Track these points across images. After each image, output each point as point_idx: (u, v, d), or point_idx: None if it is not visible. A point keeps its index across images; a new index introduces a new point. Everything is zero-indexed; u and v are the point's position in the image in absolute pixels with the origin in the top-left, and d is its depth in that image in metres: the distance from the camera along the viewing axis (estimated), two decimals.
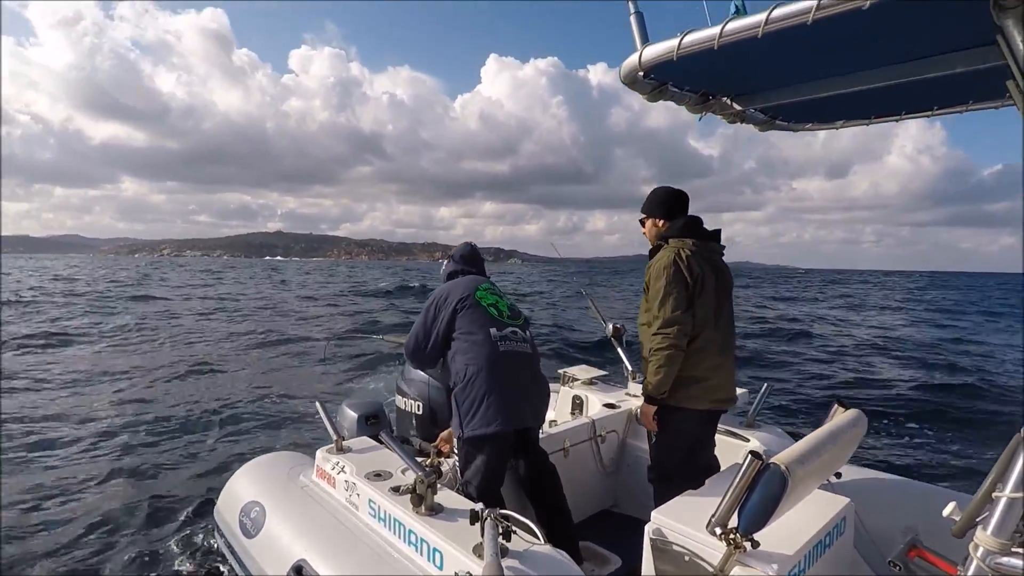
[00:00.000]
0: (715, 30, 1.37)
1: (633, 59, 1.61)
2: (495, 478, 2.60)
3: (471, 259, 3.08)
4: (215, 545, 3.37)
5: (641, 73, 1.67)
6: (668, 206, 2.77)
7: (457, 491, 2.45)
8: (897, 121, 2.36)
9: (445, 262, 3.13)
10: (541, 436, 3.13)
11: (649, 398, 2.65)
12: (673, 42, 1.47)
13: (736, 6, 1.43)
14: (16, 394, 7.39)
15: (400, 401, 3.44)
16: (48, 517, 4.17)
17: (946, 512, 1.88)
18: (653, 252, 2.73)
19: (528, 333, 2.82)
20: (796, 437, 2.27)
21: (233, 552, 2.87)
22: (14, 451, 5.38)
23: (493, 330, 2.64)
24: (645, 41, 1.61)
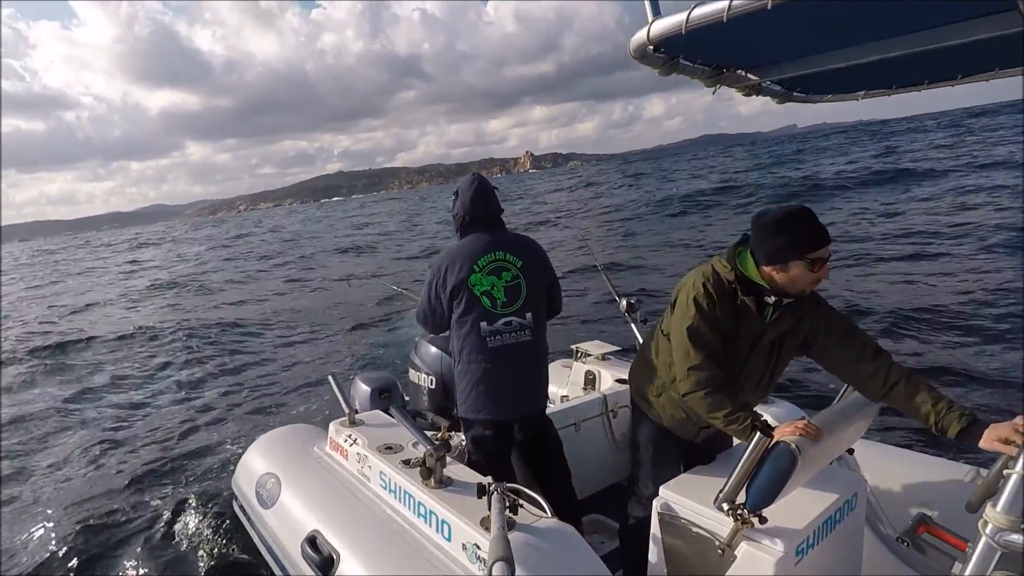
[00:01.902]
0: (724, 3, 1.32)
1: (642, 34, 1.56)
2: (494, 455, 2.62)
3: (480, 205, 2.68)
4: (233, 515, 3.46)
5: (651, 48, 1.62)
6: None
7: (466, 464, 2.49)
8: (920, 91, 2.29)
9: (453, 199, 2.76)
10: (552, 411, 3.15)
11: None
12: (681, 16, 1.42)
13: None
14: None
15: (413, 375, 3.47)
16: (66, 484, 4.30)
17: (967, 478, 1.87)
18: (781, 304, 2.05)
19: (529, 316, 2.62)
20: (811, 412, 2.26)
21: (250, 521, 2.95)
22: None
23: (483, 324, 2.55)
24: (656, 14, 1.57)
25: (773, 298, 1.99)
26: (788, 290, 1.96)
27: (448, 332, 2.71)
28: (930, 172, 20.96)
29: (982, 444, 1.75)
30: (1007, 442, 1.66)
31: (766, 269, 1.96)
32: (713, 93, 2.12)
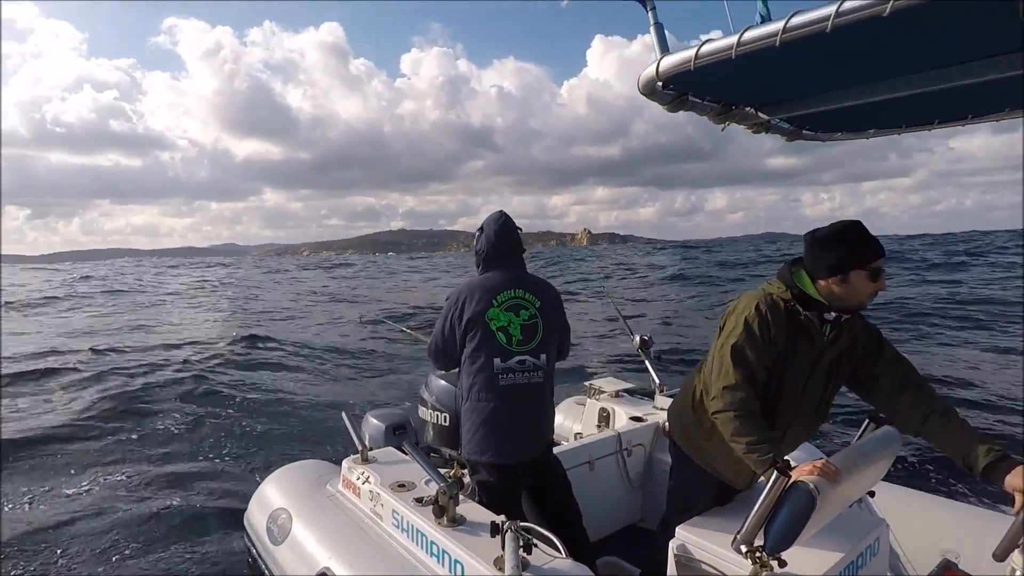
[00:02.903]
0: (732, 39, 1.35)
1: (651, 70, 1.60)
2: (501, 498, 2.56)
3: (502, 240, 2.65)
4: (244, 550, 3.43)
5: (659, 84, 1.66)
6: None
7: (479, 500, 2.45)
8: (930, 130, 2.30)
9: (477, 235, 2.74)
10: (566, 449, 3.11)
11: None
12: (690, 52, 1.46)
13: (760, 13, 1.42)
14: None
15: (424, 412, 3.45)
16: (72, 518, 4.28)
17: (993, 525, 1.81)
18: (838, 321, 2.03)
19: (543, 357, 2.59)
20: (829, 453, 2.21)
21: (261, 558, 2.91)
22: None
23: (497, 360, 2.51)
24: (665, 51, 1.61)
25: (833, 314, 1.97)
26: (847, 302, 1.94)
27: (458, 369, 2.68)
28: None
29: (1004, 485, 1.72)
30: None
31: (823, 283, 1.95)
32: (722, 130, 2.14)
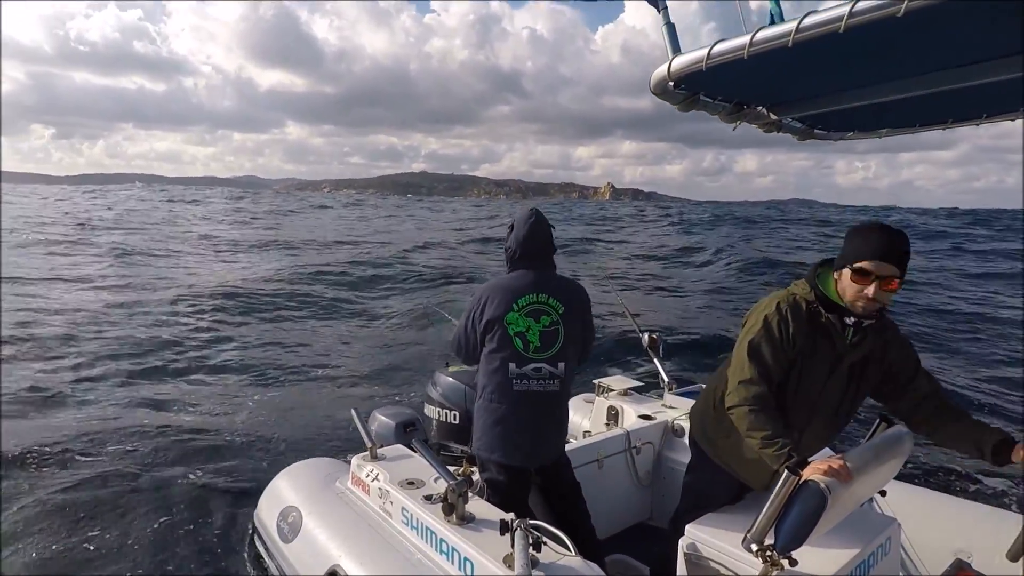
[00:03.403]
0: (744, 39, 1.35)
1: (662, 69, 1.60)
2: (510, 497, 2.56)
3: (532, 240, 2.60)
4: (253, 548, 3.45)
5: (671, 83, 1.66)
6: None
7: (488, 498, 2.46)
8: (944, 129, 2.29)
9: (507, 232, 2.68)
10: (575, 447, 3.11)
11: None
12: (702, 52, 1.46)
13: (772, 12, 1.41)
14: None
15: (431, 410, 3.47)
16: (77, 513, 4.30)
17: (1006, 525, 1.82)
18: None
19: (561, 366, 2.55)
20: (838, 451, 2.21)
21: (271, 555, 2.94)
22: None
23: (512, 365, 2.50)
24: (676, 51, 1.61)
25: (852, 319, 1.94)
26: (844, 302, 1.93)
27: (477, 366, 2.69)
28: None
29: (1013, 457, 1.75)
30: None
31: (834, 279, 1.96)
32: (733, 129, 2.14)
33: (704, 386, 2.99)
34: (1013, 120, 2.02)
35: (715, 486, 2.30)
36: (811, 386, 2.01)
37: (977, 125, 2.14)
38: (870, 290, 1.85)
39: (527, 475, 2.63)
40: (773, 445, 1.80)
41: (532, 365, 2.51)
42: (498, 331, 2.51)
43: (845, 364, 2.00)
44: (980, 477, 5.70)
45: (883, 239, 1.85)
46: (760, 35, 1.35)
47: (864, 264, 1.84)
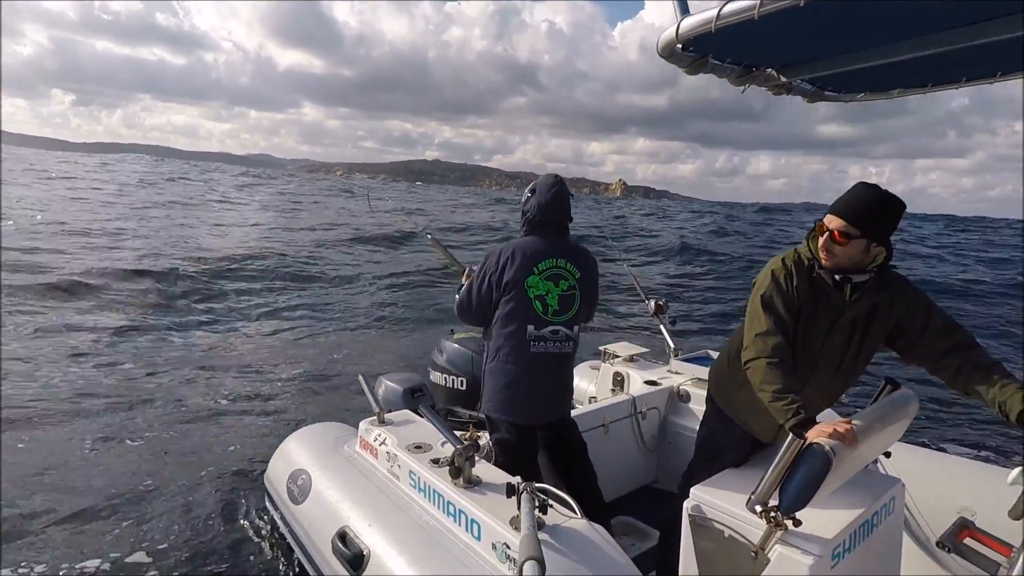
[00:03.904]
0: (755, 0, 1.31)
1: (670, 31, 1.57)
2: (520, 457, 2.62)
3: (553, 207, 2.62)
4: (264, 509, 3.53)
5: (679, 46, 1.63)
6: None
7: (494, 462, 2.50)
8: (958, 88, 2.24)
9: (526, 194, 2.69)
10: (581, 412, 3.15)
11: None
12: (711, 12, 1.42)
13: None
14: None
15: (437, 376, 3.51)
16: (90, 479, 4.37)
17: (1010, 479, 1.83)
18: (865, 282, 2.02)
19: (575, 329, 2.64)
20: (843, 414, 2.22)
21: (282, 516, 3.00)
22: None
23: (530, 327, 2.54)
24: (685, 13, 1.57)
25: (839, 276, 1.99)
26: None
27: (481, 326, 2.72)
28: None
29: None
30: None
31: None
32: (742, 92, 2.10)
33: (710, 351, 2.99)
34: None
35: (726, 437, 2.35)
36: (812, 341, 2.05)
37: (991, 83, 2.09)
38: (821, 241, 1.95)
39: (536, 433, 2.68)
40: (783, 400, 1.82)
41: (550, 328, 2.57)
42: (517, 293, 2.53)
43: (846, 320, 2.03)
44: (983, 438, 5.75)
45: (845, 196, 1.93)
46: None
47: (828, 220, 1.93)
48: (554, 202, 2.61)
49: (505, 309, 2.56)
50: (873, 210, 1.91)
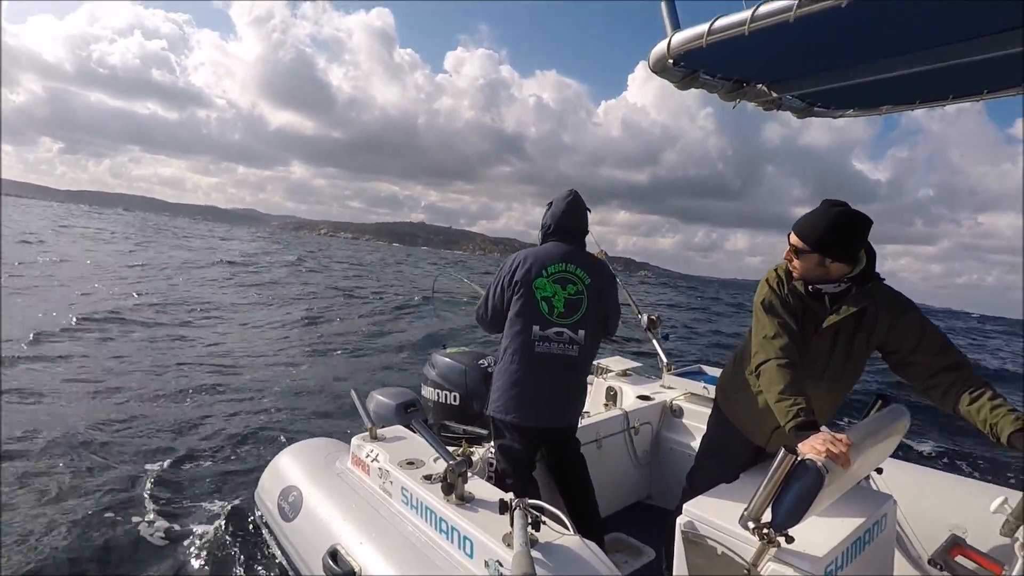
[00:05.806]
0: (746, 14, 1.32)
1: (662, 46, 1.58)
2: (519, 461, 2.63)
3: (568, 217, 2.71)
4: (255, 527, 3.48)
5: (671, 61, 1.64)
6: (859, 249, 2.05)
7: (488, 478, 2.48)
8: (944, 106, 2.26)
9: (547, 208, 2.80)
10: None
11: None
12: (702, 28, 1.43)
13: None
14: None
15: (429, 391, 3.48)
16: (79, 494, 4.31)
17: (993, 507, 1.82)
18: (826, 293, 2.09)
19: (581, 333, 2.63)
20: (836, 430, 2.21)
21: (272, 534, 2.96)
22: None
23: (536, 328, 2.58)
24: (676, 28, 1.58)
25: (813, 287, 2.08)
26: None
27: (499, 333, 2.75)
28: None
29: None
30: None
31: None
32: (733, 107, 2.12)
33: (703, 366, 2.99)
34: (1014, 95, 2.00)
35: (730, 436, 2.40)
36: (800, 347, 2.09)
37: (979, 100, 2.12)
38: (787, 254, 2.09)
39: (539, 439, 2.68)
40: (786, 401, 1.84)
41: (555, 328, 2.60)
42: (524, 292, 2.60)
43: (828, 330, 2.07)
44: (973, 456, 5.75)
45: (806, 214, 2.03)
46: (762, 10, 1.33)
47: (792, 238, 2.05)
48: (568, 211, 2.71)
49: (514, 310, 2.63)
50: (819, 228, 1.97)
